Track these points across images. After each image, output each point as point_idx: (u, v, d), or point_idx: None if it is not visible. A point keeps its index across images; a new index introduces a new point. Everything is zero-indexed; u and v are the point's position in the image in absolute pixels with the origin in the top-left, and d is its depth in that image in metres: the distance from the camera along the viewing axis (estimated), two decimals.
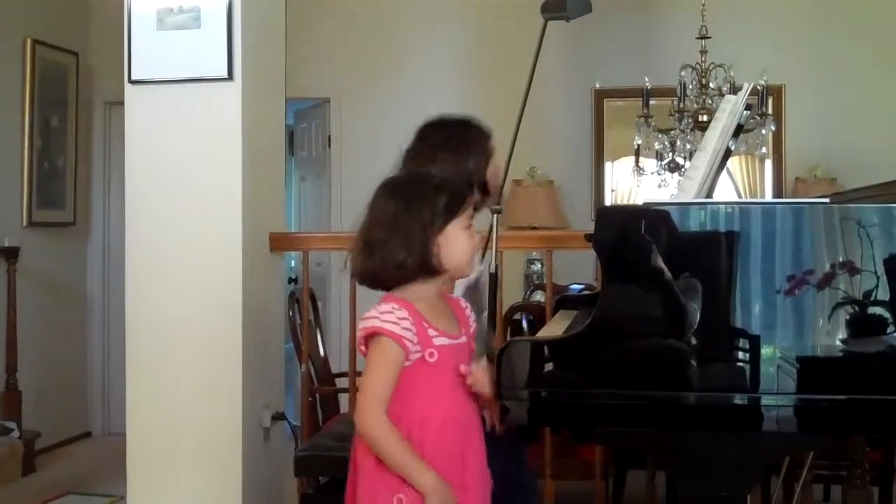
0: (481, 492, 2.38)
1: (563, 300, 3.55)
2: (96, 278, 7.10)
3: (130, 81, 4.01)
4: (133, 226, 4.04)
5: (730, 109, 2.68)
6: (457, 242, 2.33)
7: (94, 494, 5.43)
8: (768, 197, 6.70)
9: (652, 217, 2.28)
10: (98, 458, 6.27)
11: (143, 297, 4.01)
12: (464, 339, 2.39)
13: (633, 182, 6.55)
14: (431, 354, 2.31)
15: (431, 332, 2.31)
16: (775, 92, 6.34)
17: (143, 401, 4.00)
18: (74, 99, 6.88)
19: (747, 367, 2.25)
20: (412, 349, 2.29)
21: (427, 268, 2.31)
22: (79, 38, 6.93)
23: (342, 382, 4.48)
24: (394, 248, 2.30)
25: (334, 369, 4.63)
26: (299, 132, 7.87)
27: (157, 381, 3.99)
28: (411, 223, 2.31)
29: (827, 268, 2.23)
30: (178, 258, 3.98)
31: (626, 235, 2.28)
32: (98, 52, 6.93)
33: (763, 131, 5.70)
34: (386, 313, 2.29)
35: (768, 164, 6.76)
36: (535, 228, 6.26)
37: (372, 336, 2.31)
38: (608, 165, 6.96)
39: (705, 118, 5.55)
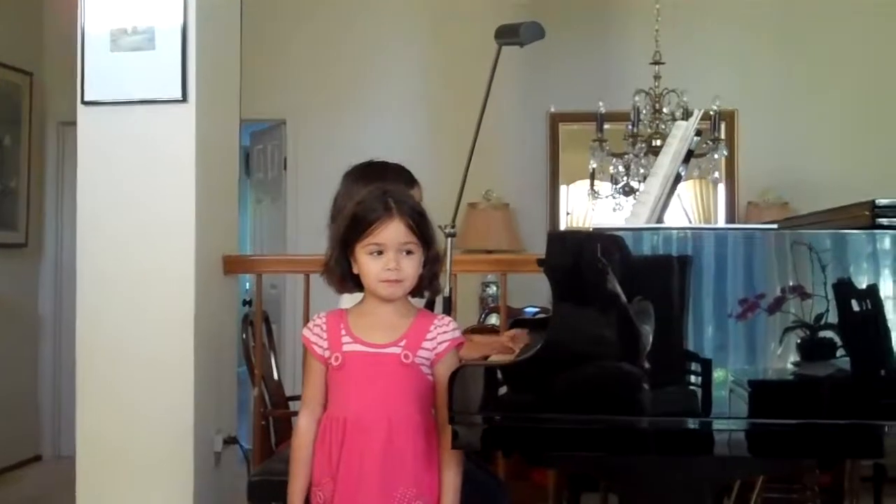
0: (365, 490, 2.41)
1: (518, 323, 3.56)
2: (48, 300, 7.02)
3: (83, 102, 3.98)
4: (85, 247, 4.01)
5: (681, 135, 2.70)
6: (363, 264, 2.46)
7: None
8: (721, 221, 6.75)
9: (601, 241, 2.29)
10: (48, 481, 6.19)
11: (95, 318, 3.97)
12: (394, 349, 2.45)
13: (588, 206, 6.59)
14: (337, 358, 2.47)
15: (346, 338, 2.48)
16: (728, 117, 6.41)
17: (94, 424, 3.96)
18: (28, 119, 6.82)
19: (699, 391, 2.26)
20: (321, 353, 2.49)
21: (352, 282, 2.51)
22: (33, 58, 6.87)
23: (296, 406, 4.45)
24: (328, 253, 2.54)
25: (288, 392, 4.61)
26: (255, 154, 7.84)
27: (108, 404, 3.95)
28: (333, 237, 2.54)
29: (777, 292, 2.25)
30: (131, 280, 3.95)
31: (575, 259, 2.29)
32: (52, 72, 6.88)
33: (716, 156, 5.75)
34: (312, 322, 2.55)
35: (721, 188, 6.82)
36: (490, 252, 6.27)
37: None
38: (563, 189, 7.00)
39: (659, 143, 5.60)
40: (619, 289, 2.25)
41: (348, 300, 2.65)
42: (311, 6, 7.08)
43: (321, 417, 2.51)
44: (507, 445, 2.62)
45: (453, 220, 3.34)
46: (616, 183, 6.09)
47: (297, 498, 2.52)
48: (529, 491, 4.25)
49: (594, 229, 2.35)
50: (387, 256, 2.43)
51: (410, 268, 2.45)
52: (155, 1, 3.91)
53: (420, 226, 2.46)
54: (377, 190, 2.51)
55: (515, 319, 3.73)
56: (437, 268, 2.54)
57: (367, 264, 2.44)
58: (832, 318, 2.24)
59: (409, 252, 2.45)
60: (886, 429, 2.23)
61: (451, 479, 2.46)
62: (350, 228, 2.46)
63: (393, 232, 2.43)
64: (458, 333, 2.52)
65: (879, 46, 6.71)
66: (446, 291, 3.27)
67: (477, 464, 3.12)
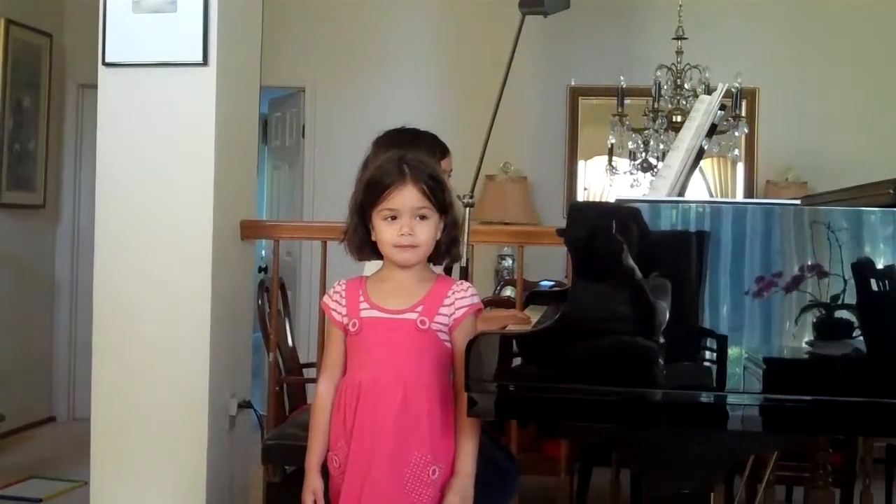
0: (378, 454, 2.43)
1: (534, 295, 3.56)
2: (65, 262, 7.05)
3: (104, 64, 3.97)
4: (103, 209, 4.01)
5: (704, 109, 2.69)
6: (378, 230, 2.47)
7: (57, 479, 5.39)
8: (739, 199, 6.73)
9: (623, 214, 2.28)
10: (62, 442, 6.24)
11: (112, 281, 3.98)
12: (410, 315, 2.46)
13: (605, 181, 6.57)
14: (354, 324, 2.49)
15: (363, 304, 2.49)
16: (749, 95, 6.38)
17: (109, 386, 3.98)
18: (47, 80, 6.82)
19: (714, 367, 2.26)
20: (339, 319, 2.52)
21: (370, 248, 2.52)
22: (53, 19, 6.87)
23: (310, 372, 4.47)
24: (349, 221, 2.54)
25: (302, 359, 4.62)
26: (273, 121, 7.85)
27: (124, 367, 3.96)
28: (352, 204, 2.54)
29: (796, 270, 2.24)
30: (148, 243, 3.95)
31: (597, 231, 2.28)
32: (72, 34, 6.88)
33: (736, 133, 5.73)
34: (332, 290, 2.57)
35: (740, 166, 6.81)
36: (506, 224, 6.27)
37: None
38: (581, 164, 6.98)
39: (679, 119, 5.58)
40: (639, 262, 2.25)
41: (371, 268, 2.66)
42: None
43: (339, 383, 2.52)
44: (522, 414, 2.63)
45: (472, 191, 3.34)
46: (634, 159, 6.08)
47: (315, 463, 2.53)
48: (541, 463, 4.25)
49: (617, 200, 2.34)
50: (401, 221, 2.44)
51: (425, 233, 2.46)
52: None
53: (435, 191, 2.46)
54: (393, 156, 2.51)
55: (532, 292, 3.73)
56: (455, 233, 2.55)
57: (383, 230, 2.46)
58: (849, 297, 2.23)
59: (423, 217, 2.45)
60: None
61: (468, 446, 2.47)
62: (366, 194, 2.48)
63: (407, 197, 2.43)
64: (476, 299, 2.52)
65: None
66: (463, 261, 3.27)
67: (490, 437, 3.13)
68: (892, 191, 2.28)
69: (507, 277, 6.30)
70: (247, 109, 4.30)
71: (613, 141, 6.02)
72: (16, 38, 6.45)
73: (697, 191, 6.61)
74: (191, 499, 3.92)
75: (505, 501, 3.31)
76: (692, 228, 2.29)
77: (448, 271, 2.99)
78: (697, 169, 2.75)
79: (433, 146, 3.20)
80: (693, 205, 2.30)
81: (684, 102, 5.73)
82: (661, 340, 2.25)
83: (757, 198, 6.65)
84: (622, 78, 5.77)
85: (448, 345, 2.48)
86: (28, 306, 6.74)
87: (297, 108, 7.23)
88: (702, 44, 6.00)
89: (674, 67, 5.82)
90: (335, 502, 2.51)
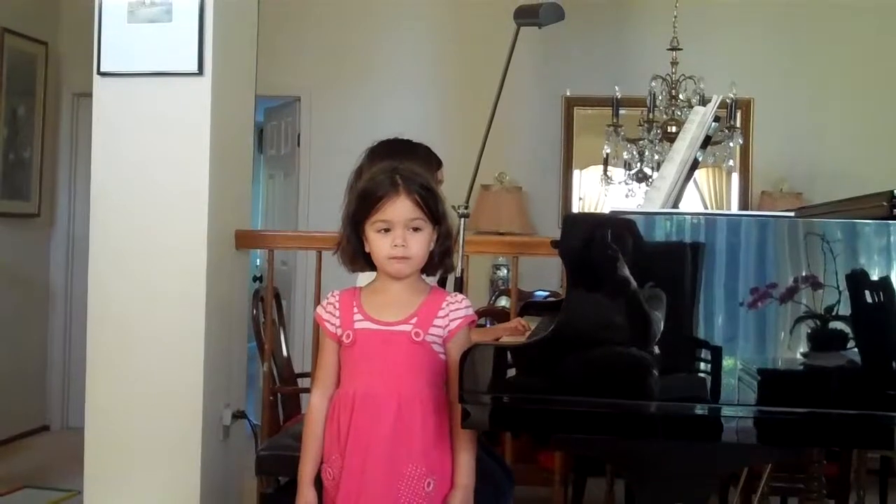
0: (373, 466, 2.42)
1: (528, 306, 3.55)
2: (59, 271, 7.03)
3: (99, 73, 3.98)
4: (97, 219, 4.01)
5: (698, 120, 2.69)
6: (372, 242, 2.46)
7: (51, 488, 5.37)
8: (734, 210, 6.73)
9: (618, 225, 2.28)
10: (56, 452, 6.22)
11: (106, 291, 3.98)
12: (404, 327, 2.45)
13: (600, 191, 6.58)
14: (348, 336, 2.48)
15: (357, 316, 2.48)
16: (744, 105, 6.39)
17: (103, 395, 3.97)
18: (42, 89, 6.82)
19: (709, 378, 2.25)
20: (333, 331, 2.50)
21: (363, 260, 2.51)
22: (49, 28, 6.87)
23: (304, 382, 4.47)
24: (342, 233, 2.52)
25: (297, 369, 4.61)
26: (269, 130, 7.84)
27: (118, 376, 3.95)
28: (344, 215, 2.53)
29: (790, 281, 2.24)
30: (143, 253, 3.95)
31: (591, 243, 2.28)
32: (68, 43, 6.88)
33: (731, 144, 5.74)
34: (325, 301, 2.55)
35: (735, 177, 6.81)
36: (501, 234, 6.27)
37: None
38: (576, 173, 6.98)
39: (674, 129, 5.58)
40: (634, 273, 2.25)
41: (364, 279, 2.66)
42: None
43: (333, 395, 2.51)
44: (516, 426, 2.63)
45: (467, 201, 3.34)
46: (629, 169, 6.09)
47: (308, 475, 2.52)
48: (536, 474, 4.25)
49: (611, 212, 2.34)
50: (394, 233, 2.43)
51: (418, 245, 2.45)
52: None
53: (428, 202, 2.45)
54: (386, 167, 2.50)
55: (526, 303, 3.72)
56: (448, 244, 2.54)
57: (376, 242, 2.45)
58: (843, 309, 2.23)
59: (416, 229, 2.44)
60: None
61: (466, 459, 2.47)
62: (359, 206, 2.47)
63: (400, 208, 2.42)
64: (470, 311, 2.51)
65: None
66: (458, 271, 3.27)
67: (484, 448, 3.12)
68: (886, 203, 2.28)
69: (503, 287, 6.30)
70: (242, 119, 4.30)
71: (608, 151, 6.02)
72: (11, 47, 6.45)
73: (692, 202, 6.61)
74: None
75: None
76: (687, 240, 2.29)
77: (443, 282, 2.99)
78: (692, 180, 2.74)
79: (428, 157, 3.20)
80: (687, 216, 2.30)
81: (679, 113, 5.73)
82: (656, 352, 2.25)
83: (752, 208, 6.65)
84: (617, 88, 5.77)
85: (442, 357, 2.47)
86: (22, 315, 6.72)
87: (293, 117, 7.23)
88: (696, 54, 6.01)
89: (668, 78, 5.82)
90: None
